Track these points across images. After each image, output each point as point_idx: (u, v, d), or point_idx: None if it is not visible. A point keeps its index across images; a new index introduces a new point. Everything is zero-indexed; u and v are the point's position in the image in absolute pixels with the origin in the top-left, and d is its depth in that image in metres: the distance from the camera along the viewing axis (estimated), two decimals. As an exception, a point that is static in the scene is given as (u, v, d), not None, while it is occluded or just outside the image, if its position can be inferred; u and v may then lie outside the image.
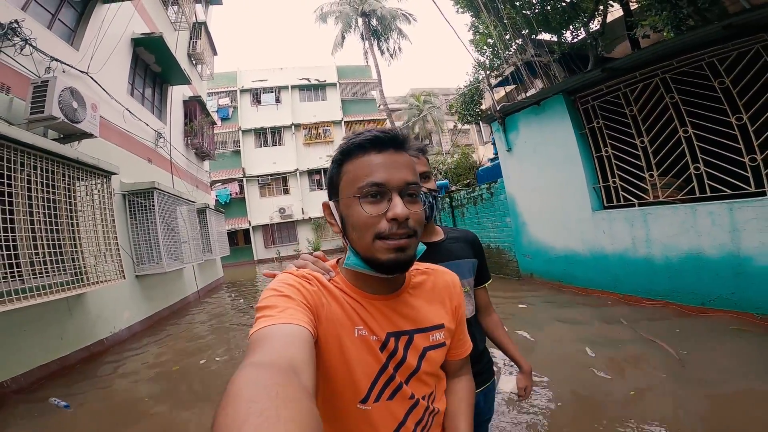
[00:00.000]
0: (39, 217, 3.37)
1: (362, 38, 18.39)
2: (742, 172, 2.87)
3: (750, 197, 2.80)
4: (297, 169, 18.79)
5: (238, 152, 18.63)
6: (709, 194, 3.09)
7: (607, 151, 3.84)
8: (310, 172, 19.14)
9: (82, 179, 4.18)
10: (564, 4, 7.60)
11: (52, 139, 3.96)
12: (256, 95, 19.45)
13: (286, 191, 19.01)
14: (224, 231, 12.37)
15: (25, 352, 3.63)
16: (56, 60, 4.57)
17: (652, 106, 3.46)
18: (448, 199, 7.61)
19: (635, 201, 3.61)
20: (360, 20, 18.13)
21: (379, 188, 0.58)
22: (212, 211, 10.53)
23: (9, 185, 3.08)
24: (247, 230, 18.46)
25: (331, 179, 0.65)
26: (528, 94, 11.13)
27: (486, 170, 7.40)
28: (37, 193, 3.39)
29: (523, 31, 8.87)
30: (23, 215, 3.18)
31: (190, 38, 10.98)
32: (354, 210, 0.59)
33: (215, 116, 15.23)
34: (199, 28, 11.34)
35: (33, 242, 3.26)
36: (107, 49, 5.87)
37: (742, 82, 2.89)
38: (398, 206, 0.57)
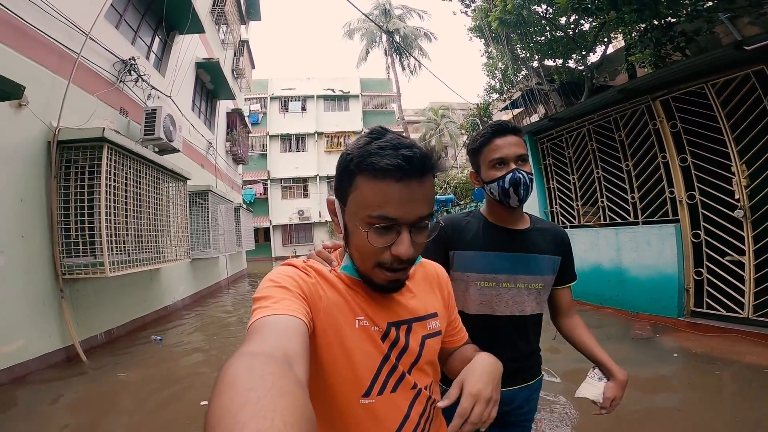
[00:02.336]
0: (149, 210, 5.14)
1: (385, 54, 20.23)
2: (626, 206, 4.34)
3: (628, 225, 4.26)
4: (317, 175, 20.71)
5: (264, 156, 20.74)
6: (608, 221, 4.55)
7: (552, 184, 5.33)
8: (330, 178, 20.99)
9: (171, 183, 5.96)
10: (566, 35, 8.83)
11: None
12: (284, 103, 21.57)
13: (306, 195, 20.96)
14: (251, 227, 14.28)
15: (125, 309, 5.32)
16: (155, 89, 6.42)
17: (581, 150, 4.93)
18: (446, 214, 9.14)
19: (568, 224, 5.08)
20: (384, 37, 19.97)
21: (390, 222, 0.56)
22: (244, 210, 12.40)
23: (138, 187, 4.85)
24: (268, 229, 20.45)
25: (341, 181, 0.62)
26: (532, 119, 12.67)
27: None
28: (149, 192, 5.16)
29: (533, 60, 10.21)
30: (145, 208, 4.95)
31: (234, 55, 12.94)
32: (359, 234, 0.58)
33: (247, 121, 17.38)
34: (242, 46, 13.33)
35: (149, 227, 5.03)
36: (181, 74, 7.77)
37: (632, 135, 4.31)
38: (404, 244, 0.57)
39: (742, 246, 3.36)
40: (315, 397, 0.56)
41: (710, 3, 6.09)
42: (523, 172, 1.01)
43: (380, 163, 0.55)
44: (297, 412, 0.31)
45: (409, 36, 19.61)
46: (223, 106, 11.72)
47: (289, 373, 0.38)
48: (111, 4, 5.26)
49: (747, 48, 3.10)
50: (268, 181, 20.51)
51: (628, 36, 7.45)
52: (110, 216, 4.13)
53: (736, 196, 3.38)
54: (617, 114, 4.40)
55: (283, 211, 20.58)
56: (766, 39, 3.01)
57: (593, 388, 1.09)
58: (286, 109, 21.50)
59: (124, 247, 4.58)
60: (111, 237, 4.15)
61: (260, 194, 20.38)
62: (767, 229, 3.27)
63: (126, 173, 4.52)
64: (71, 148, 4.10)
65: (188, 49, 8.08)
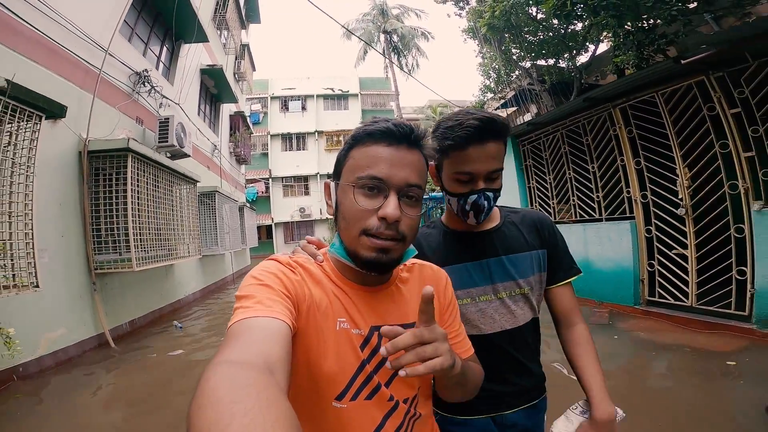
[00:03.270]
0: (165, 210, 5.71)
1: (383, 54, 20.66)
2: (592, 204, 4.89)
3: (594, 221, 4.81)
4: (318, 173, 21.28)
5: (266, 155, 21.29)
6: (579, 218, 5.09)
7: (532, 183, 5.88)
8: (330, 176, 21.50)
9: (182, 185, 6.54)
10: (557, 35, 9.26)
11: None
12: (285, 102, 22.09)
13: (307, 192, 21.54)
14: (255, 225, 14.88)
15: (144, 301, 5.91)
16: (166, 98, 6.97)
17: (555, 152, 5.46)
18: (439, 211, 9.69)
19: (545, 219, 5.62)
20: (382, 37, 20.41)
21: (378, 183, 0.59)
22: (247, 208, 12.99)
23: (156, 190, 5.42)
24: (270, 226, 21.05)
25: (338, 161, 0.66)
26: (525, 118, 13.18)
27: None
28: (164, 195, 5.73)
29: (525, 60, 10.62)
30: (161, 209, 5.53)
31: (236, 59, 13.43)
32: (347, 198, 0.61)
33: (248, 122, 17.93)
34: (243, 50, 13.83)
35: (165, 226, 5.61)
36: (187, 81, 8.31)
37: (597, 139, 4.84)
38: (391, 206, 0.57)
39: (686, 241, 3.90)
40: (291, 395, 0.56)
41: (694, 4, 6.52)
42: (489, 195, 0.86)
43: (371, 128, 0.61)
44: (285, 423, 0.32)
45: (406, 36, 20.04)
46: (226, 109, 12.27)
47: (271, 382, 0.37)
48: (124, 20, 5.80)
49: (683, 62, 3.61)
50: (270, 180, 21.09)
51: (613, 39, 7.92)
52: (135, 217, 4.71)
53: (680, 196, 3.92)
54: (585, 120, 4.92)
55: (284, 208, 21.16)
56: (699, 53, 3.51)
57: (568, 423, 0.91)
58: (287, 109, 22.02)
59: (146, 245, 5.17)
60: (137, 236, 4.73)
61: (262, 192, 20.95)
62: (706, 225, 3.79)
63: (146, 178, 5.09)
64: (99, 157, 4.67)
65: (193, 56, 8.62)
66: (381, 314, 0.66)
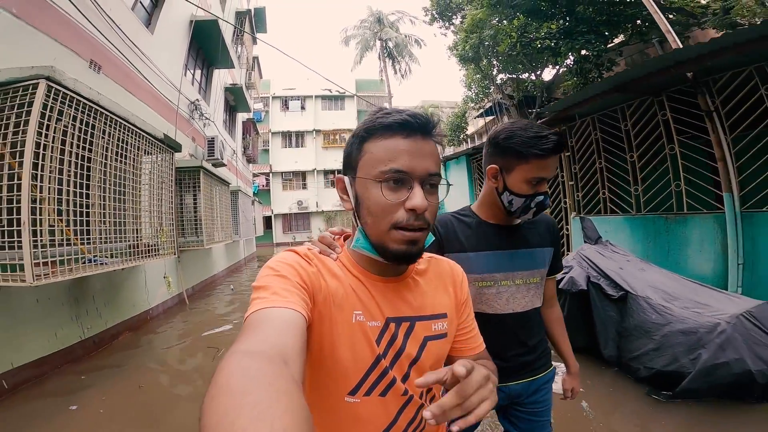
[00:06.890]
0: (214, 206, 8.47)
1: (379, 58, 23.27)
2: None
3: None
4: (315, 169, 24.03)
5: (266, 151, 23.96)
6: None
7: (476, 193, 8.69)
8: (326, 172, 24.35)
9: (222, 187, 9.30)
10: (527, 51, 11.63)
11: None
12: (285, 102, 24.70)
13: (305, 186, 24.32)
14: (261, 217, 17.65)
15: (198, 273, 8.63)
16: (208, 119, 9.65)
17: (492, 175, 8.24)
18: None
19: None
20: (378, 43, 22.99)
21: (402, 175, 0.61)
22: (256, 203, 15.74)
23: (211, 192, 8.17)
24: (269, 217, 23.78)
25: (350, 154, 0.68)
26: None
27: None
28: (214, 195, 8.47)
29: (499, 76, 13.10)
30: (214, 206, 8.29)
31: (247, 71, 15.97)
32: (372, 194, 0.63)
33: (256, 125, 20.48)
34: (253, 62, 16.39)
35: (214, 217, 8.39)
36: (218, 99, 10.98)
37: None
38: (418, 197, 0.61)
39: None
40: (305, 388, 0.60)
41: (620, 38, 8.95)
42: (547, 196, 1.11)
43: (387, 121, 0.63)
44: (295, 415, 0.33)
45: (400, 44, 22.64)
46: (240, 116, 14.93)
47: (284, 373, 0.40)
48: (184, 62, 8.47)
49: (539, 121, 6.36)
50: (270, 174, 23.80)
51: (571, 64, 10.43)
52: (206, 212, 7.48)
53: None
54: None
55: (283, 201, 23.92)
56: (546, 116, 6.22)
57: (555, 383, 1.33)
58: (287, 108, 24.63)
59: (207, 231, 7.93)
60: (206, 224, 7.50)
61: (263, 186, 23.64)
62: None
63: (206, 184, 7.84)
64: (181, 171, 7.39)
65: (220, 78, 11.31)
66: (397, 306, 0.70)
